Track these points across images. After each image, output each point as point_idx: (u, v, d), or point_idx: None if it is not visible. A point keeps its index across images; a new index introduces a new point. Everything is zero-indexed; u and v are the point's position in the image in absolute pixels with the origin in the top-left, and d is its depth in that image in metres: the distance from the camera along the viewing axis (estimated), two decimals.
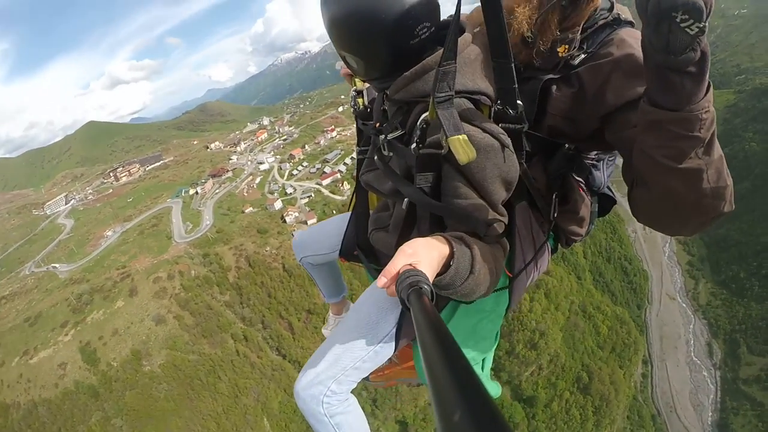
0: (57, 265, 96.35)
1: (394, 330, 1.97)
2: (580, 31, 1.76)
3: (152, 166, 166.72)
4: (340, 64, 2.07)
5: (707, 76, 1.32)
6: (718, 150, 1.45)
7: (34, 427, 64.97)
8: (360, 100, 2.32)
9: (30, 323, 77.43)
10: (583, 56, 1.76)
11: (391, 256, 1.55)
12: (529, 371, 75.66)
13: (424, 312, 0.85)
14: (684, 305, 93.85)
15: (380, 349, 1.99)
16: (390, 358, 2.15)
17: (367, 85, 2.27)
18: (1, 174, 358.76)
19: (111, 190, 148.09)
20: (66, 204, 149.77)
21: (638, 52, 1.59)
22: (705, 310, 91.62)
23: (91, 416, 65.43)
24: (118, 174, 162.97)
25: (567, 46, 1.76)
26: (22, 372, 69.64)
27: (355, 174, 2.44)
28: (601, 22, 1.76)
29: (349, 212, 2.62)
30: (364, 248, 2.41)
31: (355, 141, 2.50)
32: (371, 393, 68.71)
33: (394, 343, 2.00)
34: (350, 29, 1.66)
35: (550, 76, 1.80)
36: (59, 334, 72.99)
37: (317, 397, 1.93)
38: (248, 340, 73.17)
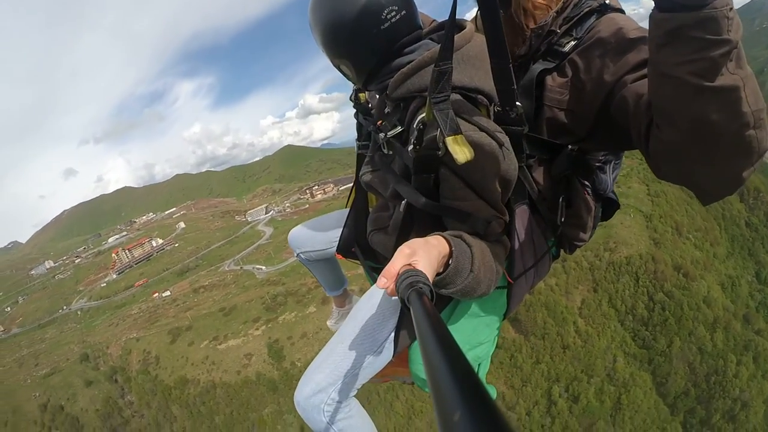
0: (263, 267, 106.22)
1: (392, 336, 1.98)
2: (570, 10, 1.76)
3: (345, 186, 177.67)
4: None
5: None
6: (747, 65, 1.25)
7: (209, 405, 71.27)
8: (362, 95, 2.24)
9: (224, 313, 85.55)
10: (573, 42, 1.73)
11: (389, 258, 1.71)
12: None
13: (424, 311, 0.85)
14: None
15: (379, 354, 1.98)
16: None
17: None
18: (207, 183, 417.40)
19: (307, 205, 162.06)
20: (266, 214, 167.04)
21: (627, 28, 1.63)
22: None
23: (266, 407, 69.58)
24: (313, 191, 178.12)
25: (553, 28, 1.76)
26: (209, 354, 76.60)
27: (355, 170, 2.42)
28: (587, 9, 1.74)
29: (348, 209, 2.59)
30: (363, 246, 2.35)
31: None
32: None
33: (392, 349, 2.00)
34: (324, 32, 1.76)
35: (545, 66, 1.78)
36: (250, 328, 79.16)
37: (318, 406, 1.92)
38: None
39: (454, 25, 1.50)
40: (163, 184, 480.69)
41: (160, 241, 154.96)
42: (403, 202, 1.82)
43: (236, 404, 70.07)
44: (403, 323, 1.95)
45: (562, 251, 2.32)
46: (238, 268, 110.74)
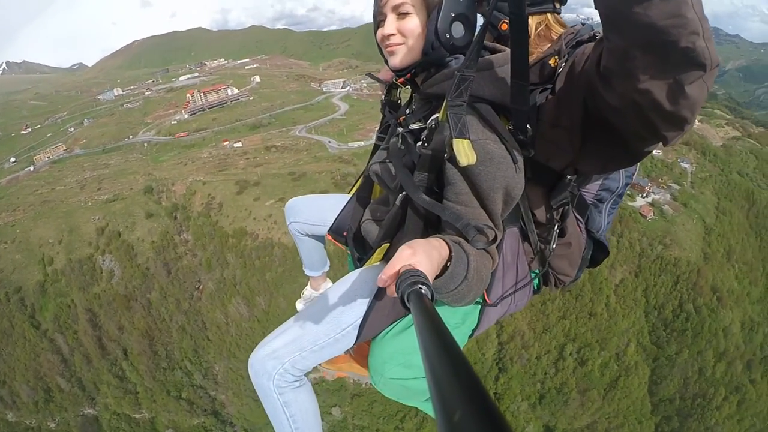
0: (334, 142, 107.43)
1: (358, 322, 2.01)
2: (565, 42, 1.93)
3: None
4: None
5: None
6: None
7: (263, 260, 76.27)
8: (395, 91, 2.35)
9: (294, 178, 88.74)
10: (564, 65, 1.85)
11: (375, 249, 1.85)
12: None
13: (425, 312, 0.86)
14: None
15: (341, 337, 2.02)
16: (348, 350, 2.20)
17: None
18: (283, 41, 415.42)
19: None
20: (342, 88, 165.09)
21: None
22: None
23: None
24: None
25: (557, 57, 1.91)
26: (272, 213, 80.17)
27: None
28: (580, 39, 1.89)
29: (350, 194, 2.73)
30: (354, 233, 2.44)
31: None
32: None
33: (355, 335, 2.03)
34: None
35: (546, 86, 1.90)
36: None
37: (269, 372, 1.97)
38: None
39: (483, 37, 1.59)
40: (238, 32, 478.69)
41: (236, 90, 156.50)
42: (401, 194, 1.91)
43: (289, 266, 74.14)
44: (372, 314, 2.00)
45: (544, 287, 2.45)
46: (311, 135, 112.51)
